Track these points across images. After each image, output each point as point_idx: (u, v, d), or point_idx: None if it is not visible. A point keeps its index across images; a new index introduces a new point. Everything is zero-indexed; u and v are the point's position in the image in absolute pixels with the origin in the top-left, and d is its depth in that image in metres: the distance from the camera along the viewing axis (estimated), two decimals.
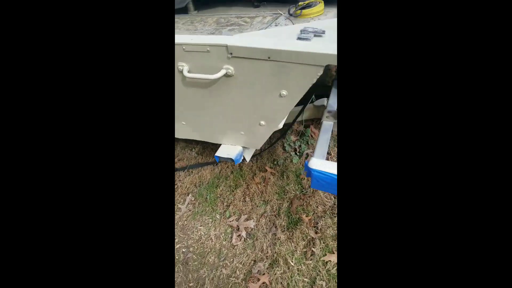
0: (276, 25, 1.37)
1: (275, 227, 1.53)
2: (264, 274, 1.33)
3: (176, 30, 1.52)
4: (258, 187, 1.76)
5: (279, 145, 2.05)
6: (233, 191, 1.75)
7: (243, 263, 1.40)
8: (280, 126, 1.24)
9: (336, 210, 1.56)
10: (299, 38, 0.89)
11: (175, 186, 1.84)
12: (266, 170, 1.86)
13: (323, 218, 1.53)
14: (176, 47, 1.03)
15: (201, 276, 1.38)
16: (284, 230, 1.50)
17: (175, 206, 1.72)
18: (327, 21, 1.10)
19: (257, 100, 1.09)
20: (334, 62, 0.83)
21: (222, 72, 0.99)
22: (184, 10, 1.82)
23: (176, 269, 1.41)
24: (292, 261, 1.36)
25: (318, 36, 0.91)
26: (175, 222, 1.64)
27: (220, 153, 1.37)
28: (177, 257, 1.47)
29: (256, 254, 1.42)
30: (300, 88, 0.97)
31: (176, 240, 1.55)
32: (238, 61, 0.97)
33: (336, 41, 0.88)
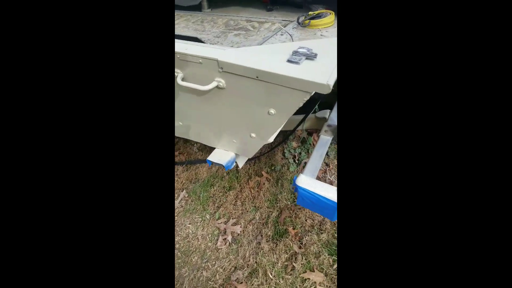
0: (282, 34, 1.32)
1: (261, 235, 1.53)
2: (241, 283, 1.35)
3: (185, 29, 1.50)
4: (251, 192, 1.76)
5: (279, 150, 2.02)
6: (226, 193, 1.77)
7: (224, 268, 1.42)
8: (271, 140, 1.22)
9: (323, 226, 1.53)
10: (288, 61, 0.85)
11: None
12: (262, 175, 1.85)
13: (309, 233, 1.51)
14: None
15: (182, 275, 1.42)
16: (268, 240, 1.50)
17: None
18: (324, 41, 1.04)
19: (247, 114, 1.07)
20: (320, 90, 0.79)
21: (214, 84, 0.98)
22: (198, 8, 1.79)
23: None
24: (271, 274, 1.37)
25: (310, 60, 0.87)
26: None
27: (212, 157, 1.37)
28: None
29: (237, 261, 1.44)
30: (287, 109, 0.93)
31: None
32: (228, 76, 0.95)
33: (327, 65, 0.84)
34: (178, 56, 1.00)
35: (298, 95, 0.85)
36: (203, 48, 1.01)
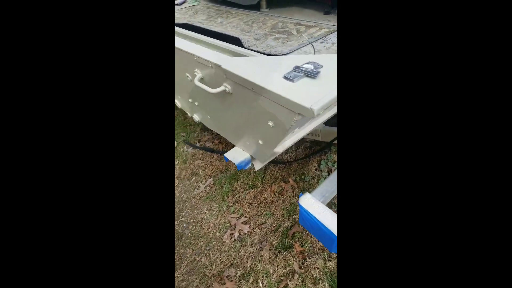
0: (322, 42, 1.23)
1: (266, 242, 1.52)
2: (231, 281, 1.38)
3: (233, 29, 1.55)
4: (271, 196, 1.74)
5: (315, 159, 1.92)
6: (247, 190, 1.79)
7: (222, 261, 1.48)
8: (279, 150, 1.17)
9: (334, 254, 1.41)
10: (284, 77, 0.79)
11: (205, 165, 2.02)
12: (288, 182, 1.80)
13: (315, 256, 1.41)
14: (190, 56, 1.08)
15: (185, 254, 1.54)
16: (271, 249, 1.48)
17: (198, 184, 1.90)
18: (333, 57, 0.92)
19: (252, 121, 1.06)
20: (304, 113, 0.72)
21: (221, 88, 1.00)
22: (257, 7, 1.80)
23: None
24: (262, 283, 1.35)
25: (310, 78, 0.79)
26: (191, 198, 1.83)
27: (228, 153, 1.41)
28: (176, 228, 1.68)
29: (235, 259, 1.47)
30: (281, 125, 0.88)
31: (183, 213, 1.75)
32: (232, 83, 0.95)
33: (323, 87, 0.75)
34: (195, 58, 1.05)
35: (288, 114, 0.79)
36: (214, 54, 1.02)
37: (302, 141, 2.00)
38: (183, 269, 1.47)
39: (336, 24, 1.44)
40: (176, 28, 1.56)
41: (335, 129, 1.67)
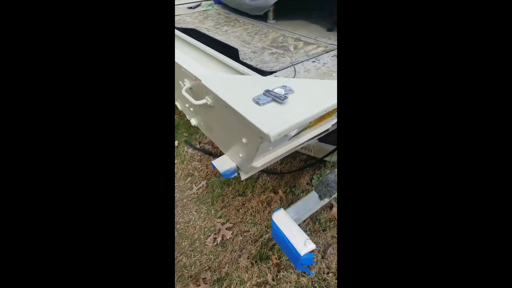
0: (313, 61, 1.24)
1: (245, 250, 1.55)
2: (206, 284, 1.43)
3: (235, 38, 1.58)
4: (258, 205, 1.76)
5: (308, 173, 1.92)
6: (236, 197, 1.83)
7: (201, 264, 1.52)
8: (257, 165, 1.19)
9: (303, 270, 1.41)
10: (253, 99, 0.82)
11: (201, 167, 2.07)
12: (278, 193, 1.82)
13: (290, 270, 1.43)
14: (178, 66, 1.13)
15: None
16: (249, 258, 1.51)
17: (192, 185, 1.96)
18: (327, 83, 0.93)
19: (231, 135, 1.09)
20: (263, 137, 0.74)
21: (204, 101, 1.04)
22: (264, 18, 1.83)
23: None
24: None
25: (277, 103, 0.81)
26: (182, 198, 1.89)
27: (216, 161, 1.45)
28: None
29: (213, 263, 1.52)
30: (251, 144, 0.91)
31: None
32: (212, 97, 0.99)
33: (287, 113, 0.77)
34: (182, 69, 1.10)
35: (253, 137, 0.82)
36: (198, 67, 1.06)
37: (297, 153, 2.01)
38: None
39: (334, 43, 1.44)
40: (181, 34, 1.62)
41: (328, 146, 1.66)
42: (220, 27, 1.80)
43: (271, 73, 1.20)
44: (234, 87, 0.90)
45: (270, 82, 0.92)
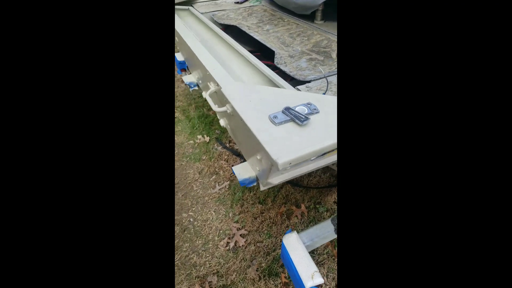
0: None
1: (255, 261, 1.49)
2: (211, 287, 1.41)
3: (274, 40, 1.50)
4: (277, 217, 1.68)
5: (336, 191, 1.77)
6: (255, 204, 1.77)
7: (210, 266, 1.51)
8: (274, 182, 1.11)
9: None
10: (269, 117, 0.73)
11: (227, 167, 2.05)
12: (300, 207, 1.72)
13: None
14: (203, 68, 1.09)
15: (181, 248, 1.62)
16: (258, 270, 1.45)
17: (215, 184, 1.96)
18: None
19: (248, 147, 1.02)
20: (274, 164, 0.66)
21: (224, 108, 0.98)
22: (311, 18, 1.70)
23: (174, 229, 1.71)
24: None
25: (295, 124, 0.71)
26: (204, 196, 1.89)
27: (236, 168, 1.40)
28: (183, 221, 1.76)
29: (222, 268, 1.49)
30: (265, 163, 0.83)
31: (194, 208, 1.83)
32: (230, 106, 0.93)
33: (304, 138, 0.67)
34: (207, 72, 1.05)
35: (264, 155, 0.74)
36: (222, 72, 1.00)
37: (328, 168, 1.87)
38: (176, 261, 1.55)
39: None
40: (219, 31, 1.58)
41: None
42: (262, 25, 1.72)
43: (303, 82, 1.10)
44: (253, 99, 0.82)
45: (295, 97, 0.83)
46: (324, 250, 1.50)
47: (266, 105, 0.79)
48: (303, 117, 0.70)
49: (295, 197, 1.78)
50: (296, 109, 0.74)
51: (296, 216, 1.67)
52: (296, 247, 1.04)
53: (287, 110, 0.73)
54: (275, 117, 0.73)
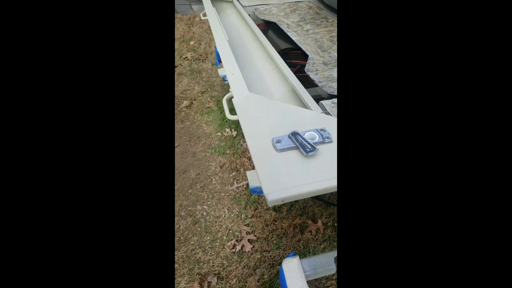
0: None
1: (258, 271, 1.44)
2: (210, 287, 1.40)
3: (311, 42, 1.37)
4: (289, 228, 1.60)
5: None
6: (270, 210, 1.71)
7: (213, 265, 1.50)
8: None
9: None
10: (272, 140, 0.65)
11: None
12: (317, 222, 1.61)
13: None
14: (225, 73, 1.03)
15: (189, 241, 1.64)
16: (258, 281, 1.40)
17: (234, 181, 1.93)
18: None
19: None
20: (274, 202, 0.58)
21: (236, 117, 0.92)
22: None
23: (186, 221, 1.74)
24: None
25: (300, 152, 0.62)
26: (221, 191, 1.88)
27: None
28: (197, 213, 1.78)
29: (224, 270, 1.47)
30: None
31: (209, 202, 1.83)
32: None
33: (304, 171, 0.59)
34: (226, 79, 0.99)
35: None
36: (239, 81, 0.92)
37: None
38: (182, 253, 1.57)
39: None
40: (256, 28, 1.50)
41: None
42: (303, 24, 1.60)
43: (330, 97, 0.98)
44: (262, 117, 0.74)
45: (310, 118, 0.73)
46: (327, 281, 1.39)
47: (274, 125, 0.71)
48: (310, 147, 0.61)
49: (313, 211, 1.67)
50: (305, 135, 0.65)
51: (311, 231, 1.58)
52: (295, 275, 0.96)
53: (294, 135, 0.65)
54: (279, 141, 0.64)
